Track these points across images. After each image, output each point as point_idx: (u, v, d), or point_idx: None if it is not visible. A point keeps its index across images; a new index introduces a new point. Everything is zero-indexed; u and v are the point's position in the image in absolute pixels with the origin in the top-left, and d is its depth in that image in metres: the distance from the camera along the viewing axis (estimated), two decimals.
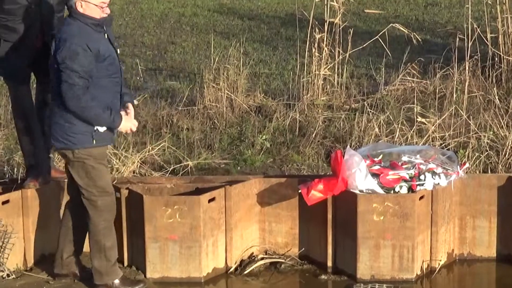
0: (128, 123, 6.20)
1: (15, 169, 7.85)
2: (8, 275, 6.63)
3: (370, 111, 8.93)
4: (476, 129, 8.20)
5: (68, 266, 6.57)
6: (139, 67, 12.20)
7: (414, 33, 10.05)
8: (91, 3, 5.91)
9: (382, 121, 8.53)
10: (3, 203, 6.69)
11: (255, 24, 16.65)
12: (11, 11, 6.47)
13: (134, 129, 6.36)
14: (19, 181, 7.08)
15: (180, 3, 20.41)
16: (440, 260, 6.87)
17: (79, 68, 5.84)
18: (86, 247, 6.72)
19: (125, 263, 6.92)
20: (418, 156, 6.90)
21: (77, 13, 5.94)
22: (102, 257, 6.30)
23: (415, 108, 8.73)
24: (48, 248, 6.98)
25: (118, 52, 6.27)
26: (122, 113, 6.19)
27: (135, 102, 10.06)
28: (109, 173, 6.43)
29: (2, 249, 6.62)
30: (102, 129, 6.02)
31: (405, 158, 6.87)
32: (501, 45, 10.35)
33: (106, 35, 6.11)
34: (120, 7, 19.94)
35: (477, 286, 6.89)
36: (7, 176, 7.72)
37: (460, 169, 6.90)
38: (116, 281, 6.36)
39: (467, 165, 7.23)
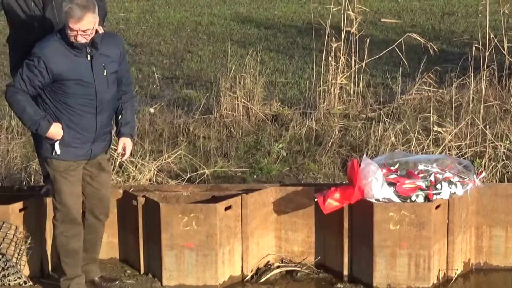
0: (55, 130, 6.09)
1: (32, 177, 7.89)
2: (25, 282, 6.66)
3: (387, 120, 8.93)
4: (492, 138, 8.19)
5: (85, 274, 6.60)
6: (156, 75, 12.26)
7: (431, 43, 10.06)
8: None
9: (398, 130, 8.53)
10: (20, 210, 6.72)
11: (272, 33, 16.70)
12: (15, 24, 6.54)
13: (58, 137, 6.16)
14: (36, 189, 7.12)
15: (197, 12, 20.48)
16: (457, 270, 6.85)
17: (25, 74, 5.95)
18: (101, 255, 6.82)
19: (142, 271, 6.94)
20: (434, 165, 6.89)
21: (61, 30, 6.01)
22: (60, 262, 6.47)
23: (431, 118, 8.73)
24: None
25: (106, 73, 6.20)
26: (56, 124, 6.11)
27: (152, 110, 10.13)
28: (74, 190, 6.27)
29: (19, 256, 6.65)
30: (63, 144, 6.07)
31: (421, 167, 6.87)
32: None
33: (89, 57, 6.08)
34: (136, 16, 20.05)
35: None
36: (24, 183, 7.75)
37: (477, 178, 6.89)
38: None
39: (483, 174, 7.23)
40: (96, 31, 6.10)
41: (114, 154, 7.30)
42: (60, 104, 6.06)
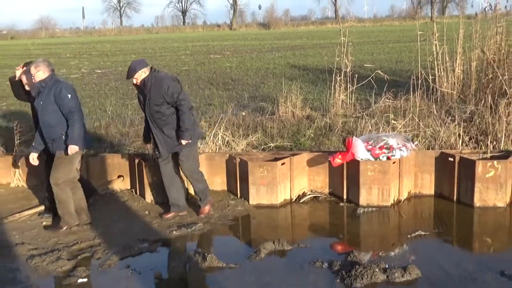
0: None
1: None
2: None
3: (366, 118, 8.81)
4: (423, 126, 8.03)
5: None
6: (245, 95, 12.29)
7: (389, 77, 9.91)
8: None
9: (373, 122, 8.41)
10: None
11: (306, 73, 16.64)
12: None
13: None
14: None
15: (267, 63, 20.52)
16: (404, 196, 6.73)
17: None
18: (217, 188, 6.80)
19: (238, 196, 6.91)
20: (392, 140, 6.77)
21: None
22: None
23: (390, 116, 8.59)
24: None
25: (41, 103, 5.72)
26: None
27: (243, 113, 10.13)
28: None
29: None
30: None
31: (384, 142, 6.75)
32: (437, 82, 10.17)
33: (38, 96, 5.74)
34: (235, 65, 20.15)
35: (423, 208, 6.70)
36: None
37: (413, 145, 6.82)
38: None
39: (416, 142, 7.15)
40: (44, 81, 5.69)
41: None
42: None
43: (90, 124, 9.85)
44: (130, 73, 5.84)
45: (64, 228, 5.92)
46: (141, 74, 5.85)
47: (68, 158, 5.78)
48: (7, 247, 5.61)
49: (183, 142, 5.93)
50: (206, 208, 6.40)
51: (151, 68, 5.93)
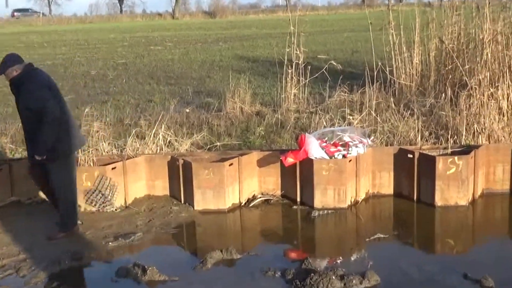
0: None
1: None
2: (115, 209, 6.58)
3: (320, 113, 8.87)
4: (380, 121, 8.13)
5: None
6: (189, 90, 12.18)
7: (344, 69, 10.02)
8: None
9: (327, 118, 8.47)
10: (112, 168, 6.65)
11: (255, 65, 16.67)
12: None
13: None
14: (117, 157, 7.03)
15: (213, 54, 20.46)
16: (361, 196, 6.78)
17: None
18: (158, 193, 6.69)
19: (182, 201, 6.81)
20: (347, 135, 6.81)
21: None
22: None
23: (346, 110, 8.66)
24: (138, 194, 6.94)
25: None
26: None
27: (187, 110, 10.04)
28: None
29: (112, 195, 6.57)
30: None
31: (339, 137, 6.80)
32: (394, 74, 10.31)
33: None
34: (178, 57, 19.99)
35: (382, 209, 6.80)
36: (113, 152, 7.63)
37: (369, 140, 6.91)
38: None
39: (372, 137, 7.24)
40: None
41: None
42: None
43: (14, 125, 9.52)
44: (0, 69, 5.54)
45: None
46: (12, 72, 5.50)
47: None
48: None
49: (37, 157, 5.55)
50: (56, 234, 5.87)
51: (27, 65, 5.58)
